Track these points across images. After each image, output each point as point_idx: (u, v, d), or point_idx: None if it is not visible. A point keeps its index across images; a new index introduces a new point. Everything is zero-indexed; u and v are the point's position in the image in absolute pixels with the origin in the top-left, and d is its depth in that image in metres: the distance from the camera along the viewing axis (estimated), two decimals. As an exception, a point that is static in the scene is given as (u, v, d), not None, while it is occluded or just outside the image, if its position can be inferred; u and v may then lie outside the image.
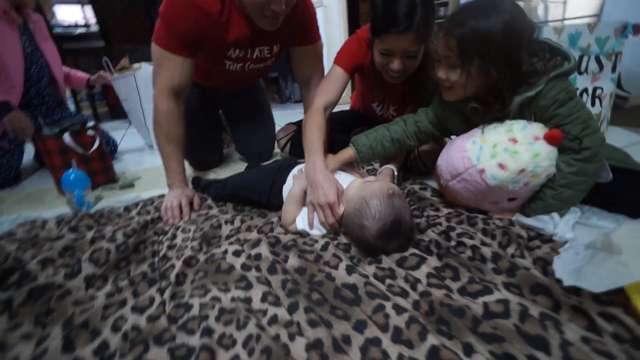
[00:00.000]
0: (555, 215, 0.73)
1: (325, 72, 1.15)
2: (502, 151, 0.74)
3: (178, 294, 0.65)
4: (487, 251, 0.67)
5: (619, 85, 2.15)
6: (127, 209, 1.06)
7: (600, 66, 1.19)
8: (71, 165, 1.14)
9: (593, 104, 1.23)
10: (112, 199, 1.20)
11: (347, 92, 1.52)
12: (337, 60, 1.11)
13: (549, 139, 0.73)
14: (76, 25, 3.22)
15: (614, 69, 1.20)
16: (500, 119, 0.79)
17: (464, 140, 0.82)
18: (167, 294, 0.64)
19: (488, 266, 0.64)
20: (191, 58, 1.06)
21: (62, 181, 1.08)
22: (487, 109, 0.81)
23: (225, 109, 1.55)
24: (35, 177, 1.62)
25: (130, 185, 1.31)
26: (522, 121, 0.77)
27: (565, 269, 0.53)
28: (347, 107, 1.54)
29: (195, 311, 0.60)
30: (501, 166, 0.74)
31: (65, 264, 0.76)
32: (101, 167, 1.29)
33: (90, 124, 1.28)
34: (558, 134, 0.73)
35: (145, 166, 1.63)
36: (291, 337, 0.52)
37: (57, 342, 0.53)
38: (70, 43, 3.04)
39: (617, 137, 1.55)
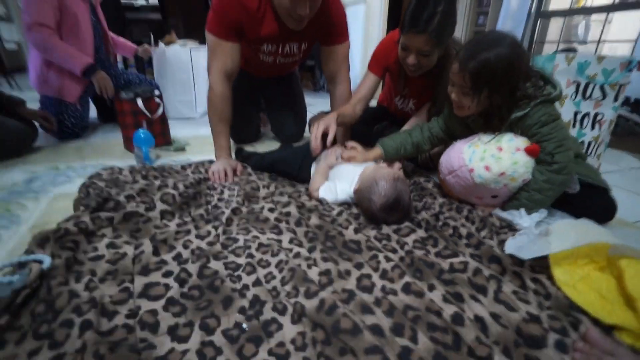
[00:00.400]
0: (523, 211, 0.91)
1: (359, 65, 1.36)
2: (489, 156, 0.93)
3: (227, 231, 0.88)
4: (464, 231, 0.87)
5: (638, 111, 2.23)
6: (183, 167, 1.31)
7: (604, 94, 1.33)
8: (139, 125, 1.40)
9: (593, 127, 1.37)
10: (168, 159, 1.45)
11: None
12: (370, 67, 1.35)
13: (529, 151, 0.91)
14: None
15: (616, 99, 1.33)
16: (494, 130, 0.98)
17: (462, 144, 1.01)
18: (220, 230, 0.87)
19: (462, 241, 0.84)
20: (238, 43, 1.28)
21: (134, 138, 1.33)
22: (487, 122, 0.99)
23: (264, 93, 1.77)
24: (100, 131, 1.90)
25: (182, 148, 1.56)
26: (510, 134, 0.95)
27: (513, 246, 0.72)
28: (374, 103, 1.73)
29: (240, 243, 0.82)
30: (486, 168, 0.93)
31: (142, 200, 1.00)
32: (160, 130, 1.54)
33: (157, 92, 1.53)
34: (536, 148, 0.91)
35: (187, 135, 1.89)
36: (309, 266, 0.74)
37: (148, 248, 0.77)
38: (130, 13, 3.32)
39: (618, 160, 1.69)
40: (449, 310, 0.62)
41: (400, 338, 0.56)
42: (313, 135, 1.12)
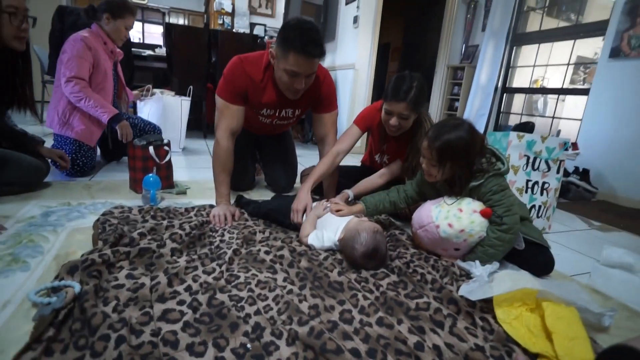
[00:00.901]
0: (478, 263, 1.10)
1: (346, 121, 1.61)
2: (452, 215, 1.13)
3: (230, 269, 1.02)
4: (429, 277, 1.04)
5: (588, 181, 2.55)
6: (187, 210, 1.45)
7: (549, 167, 1.59)
8: (148, 169, 1.56)
9: (542, 193, 1.62)
10: (171, 201, 1.60)
11: (362, 145, 1.95)
12: (356, 121, 1.62)
13: (483, 214, 1.12)
14: (145, 46, 3.82)
15: (558, 171, 1.60)
16: (457, 194, 1.19)
17: (430, 204, 1.21)
18: (224, 267, 1.01)
19: (427, 286, 1.01)
20: (242, 107, 1.50)
21: (144, 181, 1.48)
22: (451, 188, 1.21)
23: (260, 148, 1.98)
24: (105, 171, 2.04)
25: (184, 192, 1.72)
26: (469, 199, 1.16)
27: (466, 290, 0.90)
28: (357, 161, 1.97)
29: (242, 279, 0.97)
30: (450, 225, 1.12)
31: (153, 238, 1.14)
32: (165, 174, 1.70)
33: (165, 141, 1.71)
34: (489, 212, 1.12)
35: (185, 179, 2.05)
36: (300, 301, 0.88)
37: (163, 280, 0.90)
38: (137, 60, 3.59)
39: (568, 222, 1.93)
40: (412, 339, 0.77)
41: (374, 359, 0.71)
42: (294, 212, 1.34)
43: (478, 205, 1.14)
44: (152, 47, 4.24)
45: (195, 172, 2.20)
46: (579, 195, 2.49)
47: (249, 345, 0.72)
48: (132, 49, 3.45)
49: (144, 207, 1.40)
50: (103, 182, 1.78)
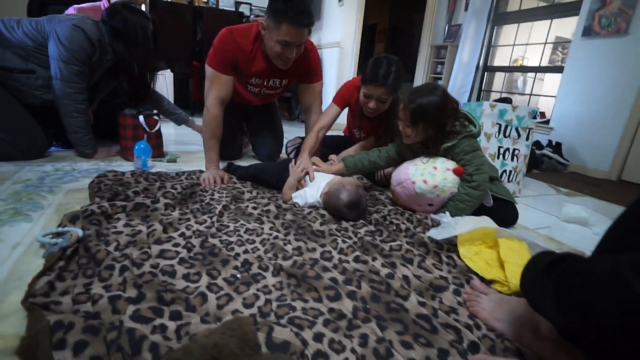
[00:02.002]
0: (448, 214, 1.20)
1: (330, 101, 1.68)
2: (427, 173, 1.23)
3: (220, 220, 1.11)
4: (403, 227, 1.15)
5: (560, 154, 2.69)
6: (177, 174, 1.52)
7: (519, 134, 1.71)
8: (139, 138, 1.61)
9: (512, 159, 1.73)
10: (162, 168, 1.66)
11: (342, 121, 2.03)
12: (335, 100, 1.67)
13: (455, 171, 1.22)
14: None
15: (527, 138, 1.71)
16: (433, 155, 1.29)
17: (408, 163, 1.31)
18: (214, 219, 1.09)
19: (401, 234, 1.12)
20: (232, 76, 1.56)
21: (134, 148, 1.54)
22: (426, 149, 1.31)
23: (247, 119, 2.04)
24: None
25: (174, 160, 1.78)
26: (443, 158, 1.26)
27: (433, 232, 1.01)
28: (340, 133, 2.05)
29: (231, 228, 1.05)
30: (424, 181, 1.22)
31: (147, 196, 1.21)
32: (156, 143, 1.75)
33: (155, 111, 1.75)
34: (460, 170, 1.22)
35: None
36: (284, 244, 0.98)
37: (159, 227, 0.98)
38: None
39: (539, 189, 2.07)
40: (384, 271, 0.87)
41: (349, 286, 0.81)
42: (295, 172, 1.39)
43: (451, 164, 1.25)
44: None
45: (186, 146, 2.25)
46: (552, 167, 2.64)
47: (238, 275, 0.81)
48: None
49: (136, 171, 1.47)
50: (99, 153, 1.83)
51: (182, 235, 0.98)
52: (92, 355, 0.53)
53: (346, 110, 1.86)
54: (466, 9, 3.58)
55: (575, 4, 2.78)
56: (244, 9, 5.59)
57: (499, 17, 3.53)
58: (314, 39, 4.27)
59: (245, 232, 1.03)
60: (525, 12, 3.35)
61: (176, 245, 0.92)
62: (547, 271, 0.55)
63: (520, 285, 0.62)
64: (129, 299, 0.67)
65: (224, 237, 1.00)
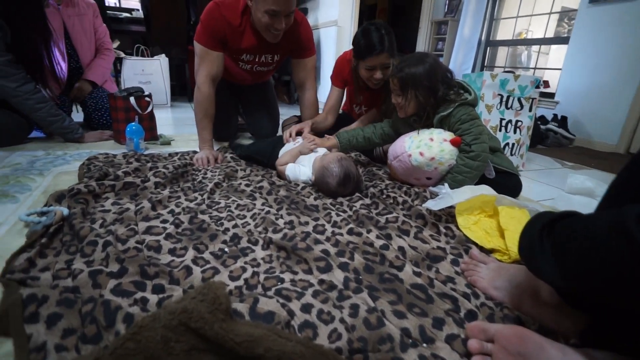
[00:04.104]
0: (446, 185, 1.16)
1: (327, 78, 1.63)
2: (423, 145, 1.18)
3: (211, 197, 1.08)
4: (400, 200, 1.11)
5: (566, 128, 2.62)
6: (170, 155, 1.49)
7: (521, 105, 1.64)
8: (131, 120, 1.58)
9: (515, 131, 1.68)
10: (155, 150, 1.63)
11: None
12: (333, 81, 1.65)
13: (452, 142, 1.18)
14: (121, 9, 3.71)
15: (530, 109, 1.65)
16: (429, 127, 1.24)
17: (405, 137, 1.26)
18: (205, 196, 1.06)
19: (399, 206, 1.08)
20: (222, 52, 1.50)
21: (126, 130, 1.51)
22: (420, 120, 1.26)
23: (241, 98, 2.00)
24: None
25: (168, 143, 1.74)
26: (439, 129, 1.21)
27: (431, 203, 0.97)
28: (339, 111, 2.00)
29: (222, 204, 1.02)
30: (421, 154, 1.18)
31: (137, 176, 1.18)
32: (149, 125, 1.72)
33: (147, 92, 1.71)
34: (458, 140, 1.17)
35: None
36: (276, 218, 0.95)
37: (147, 205, 0.96)
38: (115, 24, 3.50)
39: (544, 163, 2.01)
40: (379, 243, 0.84)
41: (342, 257, 0.78)
42: (287, 132, 1.36)
43: (448, 135, 1.20)
44: (129, 10, 4.09)
45: (181, 128, 2.22)
46: (557, 142, 2.56)
47: (226, 249, 0.79)
48: (107, 12, 3.36)
49: (128, 153, 1.44)
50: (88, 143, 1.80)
51: (171, 212, 0.96)
52: (66, 327, 0.50)
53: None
54: (467, -19, 3.45)
55: (582, -30, 2.66)
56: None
57: (502, -12, 3.41)
58: (311, 19, 4.16)
59: (236, 208, 1.00)
60: (530, -18, 3.22)
61: (164, 221, 0.89)
62: (546, 231, 0.52)
63: (519, 249, 0.59)
64: (111, 273, 0.65)
65: (214, 213, 0.97)
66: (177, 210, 0.97)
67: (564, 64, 2.75)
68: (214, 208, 1.00)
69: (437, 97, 1.19)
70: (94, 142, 1.70)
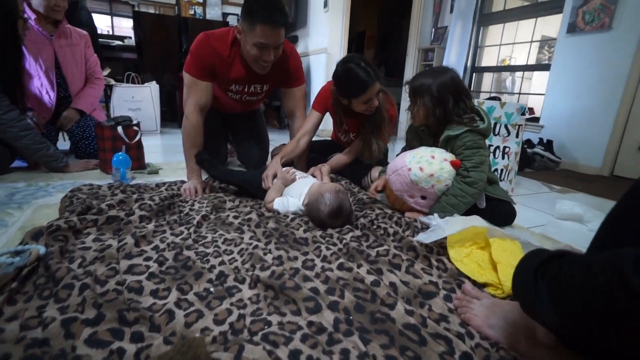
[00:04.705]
0: (437, 216, 1.15)
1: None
2: (424, 161, 1.18)
3: (198, 231, 1.05)
4: (391, 231, 1.09)
5: (552, 152, 2.66)
6: (157, 185, 1.46)
7: (508, 132, 1.67)
8: (118, 150, 1.55)
9: (503, 157, 1.69)
10: (142, 180, 1.60)
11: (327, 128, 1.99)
12: (314, 106, 1.64)
13: (452, 164, 1.18)
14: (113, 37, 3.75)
15: (517, 135, 1.67)
16: (436, 144, 1.25)
17: (406, 153, 1.26)
18: (191, 230, 1.03)
19: (390, 238, 1.06)
20: (211, 82, 1.51)
21: (113, 159, 1.48)
22: (428, 131, 1.32)
23: (231, 128, 1.99)
24: (74, 160, 2.01)
25: (156, 172, 1.72)
26: (442, 149, 1.22)
27: (422, 236, 0.95)
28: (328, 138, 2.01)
29: (209, 239, 0.99)
30: (421, 169, 1.17)
31: (122, 209, 1.15)
32: (136, 155, 1.70)
33: (135, 121, 1.70)
34: (458, 163, 1.18)
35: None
36: (264, 253, 0.92)
37: (130, 241, 0.92)
38: (106, 52, 3.52)
39: (532, 187, 2.03)
40: (370, 278, 0.82)
41: (332, 296, 0.75)
42: (265, 178, 1.37)
43: (449, 156, 1.21)
44: (122, 38, 4.15)
45: (170, 156, 2.20)
46: (544, 165, 2.60)
47: (212, 289, 0.75)
48: (100, 40, 3.38)
49: (114, 183, 1.41)
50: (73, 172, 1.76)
51: (155, 248, 0.92)
52: (32, 388, 0.46)
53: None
54: (451, 11, 3.58)
55: (559, 1, 2.78)
56: (232, 20, 5.60)
57: (484, 17, 3.54)
58: (301, 46, 4.25)
59: (223, 243, 0.97)
60: (510, 12, 3.35)
61: (147, 259, 0.86)
62: (540, 270, 0.50)
63: (512, 288, 0.57)
64: (87, 320, 0.61)
65: (201, 248, 0.94)
66: (161, 246, 0.93)
67: (546, 90, 2.83)
68: (200, 243, 0.97)
69: (446, 110, 1.22)
70: (78, 171, 1.66)
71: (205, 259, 0.88)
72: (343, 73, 1.39)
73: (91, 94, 2.06)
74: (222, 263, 0.86)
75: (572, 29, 2.61)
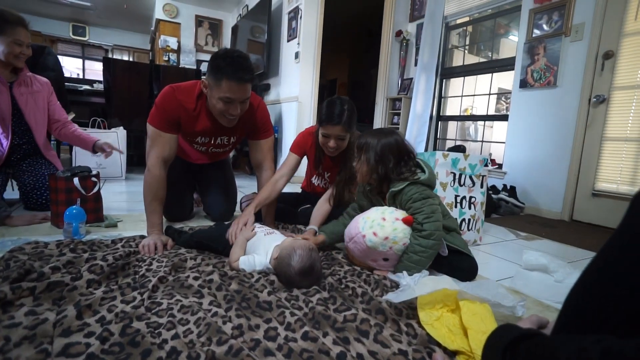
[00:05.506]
0: (406, 274, 1.12)
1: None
2: (376, 225, 1.17)
3: (152, 297, 0.96)
4: (359, 291, 1.05)
5: (515, 197, 2.76)
6: (114, 241, 1.36)
7: (473, 182, 1.72)
8: (72, 203, 1.46)
9: (470, 207, 1.73)
10: (99, 234, 1.49)
11: (300, 174, 1.98)
12: (292, 149, 1.67)
13: (405, 221, 1.17)
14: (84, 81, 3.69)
15: (482, 185, 1.73)
16: (382, 201, 1.25)
17: (358, 217, 1.25)
18: (145, 295, 0.95)
19: (358, 299, 1.02)
20: (175, 135, 1.48)
21: (65, 213, 1.38)
22: (373, 189, 1.33)
23: (197, 177, 1.95)
24: (21, 210, 1.87)
25: (114, 225, 1.61)
26: (392, 208, 1.22)
27: (391, 296, 0.92)
28: (298, 189, 1.99)
29: (164, 306, 0.91)
30: (374, 234, 1.15)
31: (69, 271, 1.05)
32: (93, 207, 1.60)
33: (94, 172, 1.62)
34: (410, 219, 1.18)
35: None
36: (224, 322, 0.85)
37: (72, 313, 0.83)
38: (73, 95, 3.45)
39: (499, 234, 2.07)
40: (336, 350, 0.76)
41: (294, 373, 0.69)
42: (232, 230, 1.32)
43: (400, 214, 1.20)
44: (91, 82, 4.10)
45: (134, 205, 2.09)
46: (509, 210, 2.69)
47: (160, 372, 0.67)
48: (67, 84, 3.33)
49: (63, 240, 1.30)
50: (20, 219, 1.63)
51: (101, 319, 0.83)
52: None
53: (305, 164, 1.83)
54: (415, 64, 3.82)
55: (510, 59, 3.04)
56: (205, 66, 5.70)
57: (446, 71, 3.79)
58: (273, 94, 4.36)
59: (179, 311, 0.89)
60: (469, 67, 3.62)
61: (89, 334, 0.77)
62: (510, 351, 0.48)
63: (482, 367, 0.54)
64: None
65: (153, 318, 0.86)
66: (108, 317, 0.84)
67: (506, 138, 3.00)
68: (153, 311, 0.88)
69: (387, 168, 1.24)
70: (22, 225, 1.54)
71: (157, 331, 0.80)
72: (328, 100, 1.52)
73: (81, 133, 2.04)
74: (175, 337, 0.78)
75: (523, 84, 2.83)
